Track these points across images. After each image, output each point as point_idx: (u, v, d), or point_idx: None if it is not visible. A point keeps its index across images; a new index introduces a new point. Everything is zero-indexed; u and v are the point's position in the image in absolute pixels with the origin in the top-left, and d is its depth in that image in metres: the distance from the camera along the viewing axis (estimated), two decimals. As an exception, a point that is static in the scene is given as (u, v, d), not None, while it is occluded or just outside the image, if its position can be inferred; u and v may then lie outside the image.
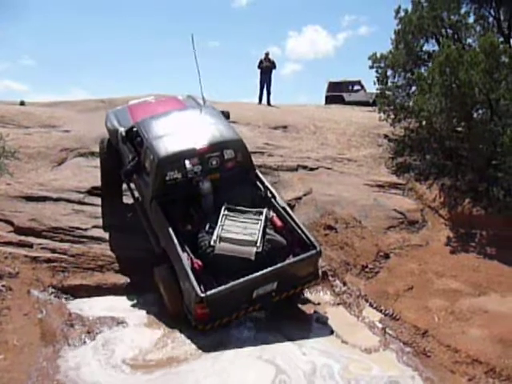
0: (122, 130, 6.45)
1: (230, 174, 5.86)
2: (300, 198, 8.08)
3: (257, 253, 5.04)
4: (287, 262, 5.22)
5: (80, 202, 7.08)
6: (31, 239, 6.17)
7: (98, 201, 7.19)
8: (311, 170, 9.21)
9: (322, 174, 9.15)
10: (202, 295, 4.62)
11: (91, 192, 7.31)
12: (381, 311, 5.68)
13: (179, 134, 5.93)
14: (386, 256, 7.01)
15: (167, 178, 5.59)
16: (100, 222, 6.75)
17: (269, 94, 13.75)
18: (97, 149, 8.11)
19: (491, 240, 7.46)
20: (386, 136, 10.90)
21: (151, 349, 4.72)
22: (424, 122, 9.27)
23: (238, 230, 5.23)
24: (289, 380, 4.22)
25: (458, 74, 7.98)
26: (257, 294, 4.99)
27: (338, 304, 5.91)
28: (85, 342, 4.79)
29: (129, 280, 5.95)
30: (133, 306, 5.57)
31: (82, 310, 5.39)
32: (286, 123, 11.28)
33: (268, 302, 5.18)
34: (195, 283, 4.72)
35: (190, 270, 4.86)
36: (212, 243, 5.07)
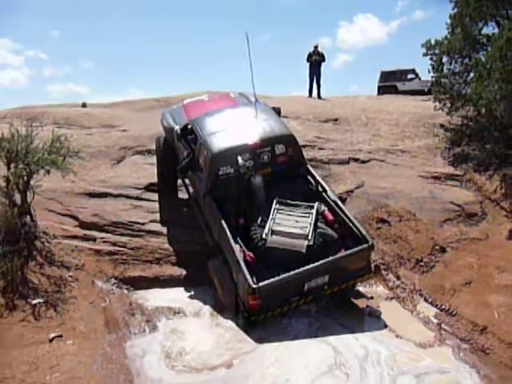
0: (177, 127, 6.70)
1: (282, 169, 5.95)
2: (352, 192, 7.99)
3: (308, 246, 5.09)
4: (338, 255, 5.22)
5: (138, 198, 7.44)
6: (94, 233, 6.57)
7: (155, 196, 7.52)
8: (363, 162, 9.06)
9: (375, 166, 8.96)
10: (255, 286, 4.73)
11: (148, 188, 7.66)
12: (436, 306, 5.54)
13: (232, 130, 6.09)
14: (443, 250, 6.77)
15: (220, 173, 5.76)
16: (157, 216, 7.07)
17: (319, 86, 13.62)
18: (153, 147, 8.48)
19: (558, 233, 6.99)
20: (442, 125, 10.46)
21: (210, 341, 4.88)
22: (483, 110, 8.83)
23: (290, 224, 5.30)
24: (345, 361, 4.40)
25: (520, 57, 7.52)
26: (308, 287, 5.04)
27: (392, 298, 5.83)
28: (144, 331, 5.08)
29: (185, 272, 6.21)
30: (189, 297, 5.80)
31: (142, 300, 5.69)
32: (337, 116, 11.14)
33: (320, 295, 5.21)
34: (248, 274, 4.83)
35: (242, 261, 4.98)
36: (264, 236, 5.17)
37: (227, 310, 5.37)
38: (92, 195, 7.34)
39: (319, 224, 5.42)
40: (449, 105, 9.91)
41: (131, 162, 8.62)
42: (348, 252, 5.25)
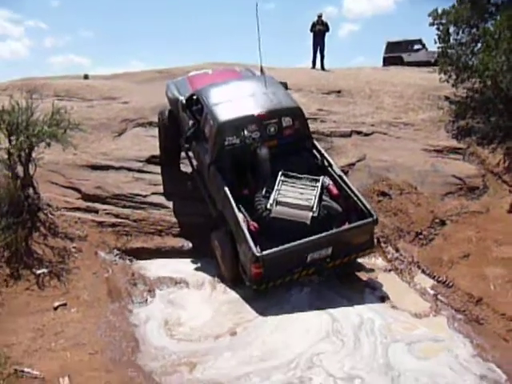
0: (182, 98, 6.69)
1: (288, 142, 5.94)
2: (353, 164, 7.98)
3: (313, 217, 5.11)
4: (343, 228, 5.27)
5: (140, 171, 7.48)
6: (97, 205, 6.65)
7: (157, 169, 7.55)
8: (366, 135, 8.99)
9: (377, 139, 8.91)
10: (258, 254, 4.78)
11: (150, 160, 7.68)
12: (433, 278, 5.62)
13: (238, 101, 6.06)
14: (442, 223, 6.80)
15: (226, 143, 5.75)
16: (158, 189, 7.12)
17: (322, 57, 13.37)
18: (154, 119, 8.46)
19: (559, 207, 6.99)
20: (447, 98, 10.30)
21: (211, 311, 5.00)
22: (489, 82, 8.66)
23: (295, 195, 5.31)
24: (341, 328, 4.56)
25: (529, 27, 7.34)
26: (311, 258, 5.09)
27: (390, 270, 5.91)
28: (146, 300, 5.21)
29: (187, 244, 6.31)
30: (191, 268, 5.89)
31: (144, 270, 5.81)
32: (340, 88, 10.98)
33: (322, 267, 5.27)
34: (252, 243, 4.87)
35: (246, 230, 5.01)
36: (269, 206, 5.18)
37: (229, 281, 5.46)
38: (94, 168, 7.38)
39: (324, 197, 5.44)
40: (454, 76, 9.72)
41: (133, 135, 8.61)
42: (352, 225, 5.29)
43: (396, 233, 6.59)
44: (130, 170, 7.46)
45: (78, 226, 6.22)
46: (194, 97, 6.46)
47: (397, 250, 6.27)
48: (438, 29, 10.02)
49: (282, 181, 5.46)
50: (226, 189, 5.40)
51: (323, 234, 5.05)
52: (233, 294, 5.28)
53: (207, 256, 5.95)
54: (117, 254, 6.01)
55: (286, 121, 5.95)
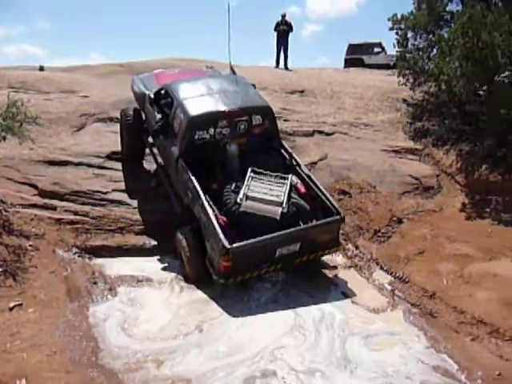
0: (149, 92, 6.64)
1: (257, 140, 5.98)
2: (315, 163, 8.14)
3: (282, 213, 5.14)
4: (312, 224, 5.35)
5: (100, 167, 7.29)
6: (55, 202, 6.43)
7: (117, 165, 7.40)
8: (327, 135, 9.21)
9: (338, 139, 9.14)
10: (228, 246, 4.76)
11: (110, 157, 7.51)
12: (391, 274, 5.83)
13: (210, 96, 6.04)
14: (399, 221, 7.08)
15: (196, 137, 5.72)
16: (119, 185, 6.98)
17: (286, 57, 13.52)
18: (115, 114, 8.29)
19: (506, 206, 7.43)
20: (404, 100, 10.71)
21: (174, 309, 4.94)
22: (444, 86, 9.05)
23: (264, 191, 5.33)
24: (304, 323, 4.70)
25: (481, 35, 7.72)
26: (280, 254, 5.13)
27: (350, 267, 6.06)
28: (107, 299, 5.10)
29: (149, 242, 6.21)
30: (154, 266, 5.80)
31: (105, 268, 5.67)
32: (303, 87, 11.16)
33: (289, 264, 5.32)
34: (222, 235, 4.84)
35: (216, 222, 4.98)
36: (238, 200, 5.17)
37: (192, 280, 5.42)
38: (52, 163, 7.14)
39: (292, 195, 5.50)
40: (412, 80, 10.11)
41: (92, 130, 8.39)
42: (321, 221, 5.38)
43: (356, 231, 6.78)
44: (89, 166, 7.27)
45: (35, 223, 6.00)
46: (163, 91, 6.41)
47: (356, 248, 6.46)
48: (397, 33, 10.37)
49: (252, 177, 5.47)
50: (195, 182, 5.36)
51: (293, 229, 5.11)
52: (197, 293, 5.25)
53: (170, 254, 5.90)
54: (76, 252, 5.84)
55: (257, 119, 5.98)
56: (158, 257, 6.00)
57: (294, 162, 6.08)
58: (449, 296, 5.27)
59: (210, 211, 5.10)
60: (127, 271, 5.63)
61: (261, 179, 5.48)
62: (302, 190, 5.69)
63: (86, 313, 4.78)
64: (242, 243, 4.86)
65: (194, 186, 5.34)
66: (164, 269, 5.75)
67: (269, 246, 5.03)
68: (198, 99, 5.96)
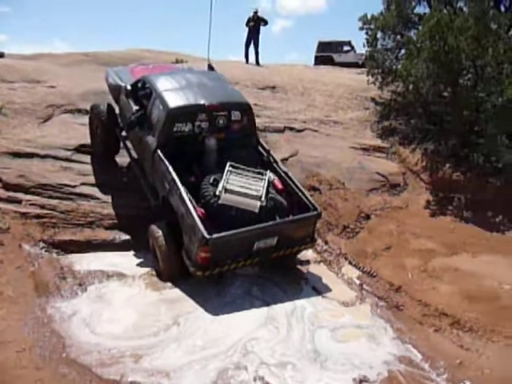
0: (125, 84, 6.59)
1: (235, 136, 5.98)
2: (286, 160, 8.21)
3: (260, 207, 5.16)
4: (290, 218, 5.41)
5: (68, 160, 7.10)
6: (20, 195, 6.23)
7: (86, 158, 7.23)
8: (298, 131, 9.32)
9: (309, 136, 9.27)
10: (208, 237, 4.73)
11: (79, 150, 7.32)
12: (359, 269, 6.00)
13: (189, 90, 6.02)
14: (367, 217, 7.29)
15: (174, 130, 5.67)
16: (88, 179, 6.82)
17: (257, 53, 13.53)
18: (83, 106, 8.14)
19: (468, 204, 7.78)
20: (373, 99, 10.98)
21: (146, 304, 4.90)
22: (411, 87, 9.34)
23: (243, 185, 5.34)
24: (276, 315, 4.82)
25: (447, 39, 8.01)
26: (257, 247, 5.15)
27: (320, 262, 6.19)
28: (77, 294, 5.00)
29: (119, 236, 6.11)
30: (125, 262, 5.71)
31: (73, 264, 5.55)
32: (274, 84, 11.24)
33: (266, 257, 5.35)
34: (201, 225, 4.80)
35: (195, 212, 4.95)
36: (217, 193, 5.15)
37: (166, 276, 5.34)
38: (16, 155, 6.88)
39: (270, 190, 5.54)
40: (380, 79, 10.38)
41: (60, 121, 8.15)
42: (299, 216, 5.43)
43: (325, 226, 6.92)
44: (56, 158, 7.06)
45: (-1, 217, 5.81)
46: (141, 82, 6.36)
47: (326, 243, 6.60)
48: (366, 33, 10.59)
49: (230, 171, 5.47)
50: (173, 173, 5.32)
51: (271, 223, 5.16)
52: (169, 288, 5.21)
53: (142, 249, 5.81)
54: (43, 247, 5.68)
55: (236, 115, 5.98)
56: (130, 252, 5.92)
57: (272, 159, 6.15)
58: (414, 289, 5.49)
59: (188, 202, 5.06)
60: (97, 266, 5.53)
61: (239, 173, 5.49)
62: (280, 186, 5.75)
63: (54, 309, 4.68)
64: (221, 234, 4.85)
65: (172, 178, 5.29)
66: (136, 264, 5.68)
67: (247, 239, 5.05)
68: (178, 92, 5.93)
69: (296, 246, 5.59)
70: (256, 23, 13.18)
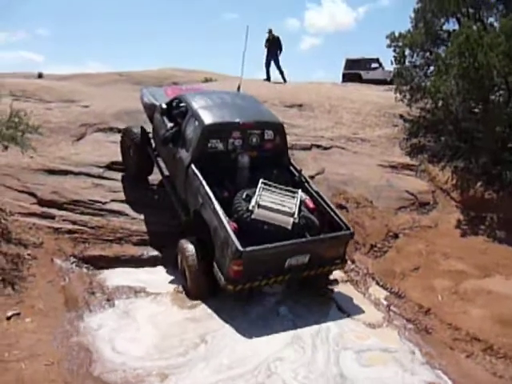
0: (160, 103, 6.86)
1: (267, 155, 6.06)
2: (313, 177, 8.18)
3: (293, 223, 5.14)
4: (323, 236, 5.37)
5: (99, 177, 7.33)
6: (53, 211, 6.44)
7: (117, 175, 7.44)
8: (325, 149, 9.31)
9: (336, 153, 9.24)
10: (242, 249, 4.71)
11: (110, 167, 7.56)
12: (386, 289, 5.88)
13: (224, 108, 6.18)
14: (395, 236, 7.15)
15: (209, 146, 5.78)
16: (118, 196, 7.00)
17: (281, 72, 13.70)
18: (115, 124, 8.43)
19: (501, 223, 7.52)
20: (401, 116, 10.87)
21: (172, 322, 4.90)
22: (440, 104, 9.22)
23: (276, 201, 5.35)
24: (302, 334, 4.78)
25: (477, 56, 7.89)
26: (289, 264, 5.10)
27: (346, 281, 6.09)
28: (105, 309, 5.10)
29: (147, 252, 6.21)
30: (152, 278, 5.79)
31: (102, 279, 5.68)
32: (301, 101, 11.30)
33: (297, 276, 5.28)
34: (235, 238, 4.79)
35: (228, 225, 4.95)
36: (250, 208, 5.16)
37: (193, 294, 5.34)
38: (51, 172, 7.16)
39: (303, 208, 5.53)
40: (408, 96, 10.28)
41: (93, 140, 8.45)
42: (332, 234, 5.38)
43: (352, 245, 6.79)
44: (89, 175, 7.30)
45: (33, 232, 6.01)
46: (176, 101, 6.60)
47: (353, 262, 6.50)
48: (394, 50, 10.57)
49: (263, 188, 5.49)
50: (207, 187, 5.39)
51: (304, 239, 5.14)
52: (196, 305, 5.21)
53: (170, 265, 5.90)
54: (74, 262, 5.84)
55: (269, 134, 6.08)
56: (158, 268, 6.02)
57: (303, 179, 6.18)
58: (444, 312, 5.32)
59: (221, 214, 5.08)
60: (125, 282, 5.62)
61: (272, 190, 5.52)
62: (311, 205, 5.74)
63: (83, 323, 4.78)
64: (254, 247, 4.82)
65: (206, 191, 5.35)
66: (163, 280, 5.74)
67: (279, 255, 5.02)
68: (213, 109, 6.09)
69: (327, 266, 5.49)
70: (272, 44, 13.36)
